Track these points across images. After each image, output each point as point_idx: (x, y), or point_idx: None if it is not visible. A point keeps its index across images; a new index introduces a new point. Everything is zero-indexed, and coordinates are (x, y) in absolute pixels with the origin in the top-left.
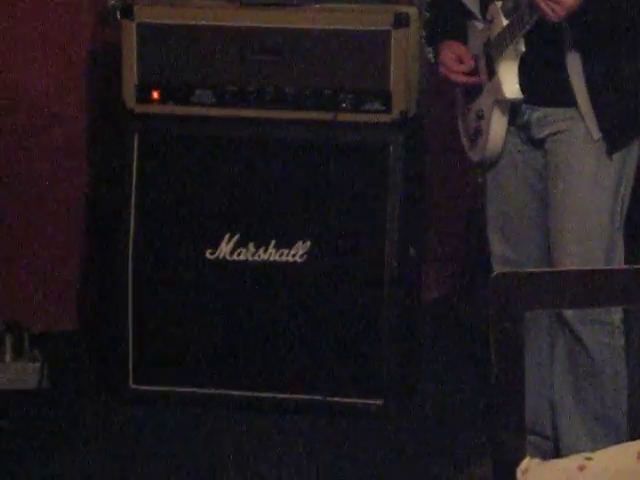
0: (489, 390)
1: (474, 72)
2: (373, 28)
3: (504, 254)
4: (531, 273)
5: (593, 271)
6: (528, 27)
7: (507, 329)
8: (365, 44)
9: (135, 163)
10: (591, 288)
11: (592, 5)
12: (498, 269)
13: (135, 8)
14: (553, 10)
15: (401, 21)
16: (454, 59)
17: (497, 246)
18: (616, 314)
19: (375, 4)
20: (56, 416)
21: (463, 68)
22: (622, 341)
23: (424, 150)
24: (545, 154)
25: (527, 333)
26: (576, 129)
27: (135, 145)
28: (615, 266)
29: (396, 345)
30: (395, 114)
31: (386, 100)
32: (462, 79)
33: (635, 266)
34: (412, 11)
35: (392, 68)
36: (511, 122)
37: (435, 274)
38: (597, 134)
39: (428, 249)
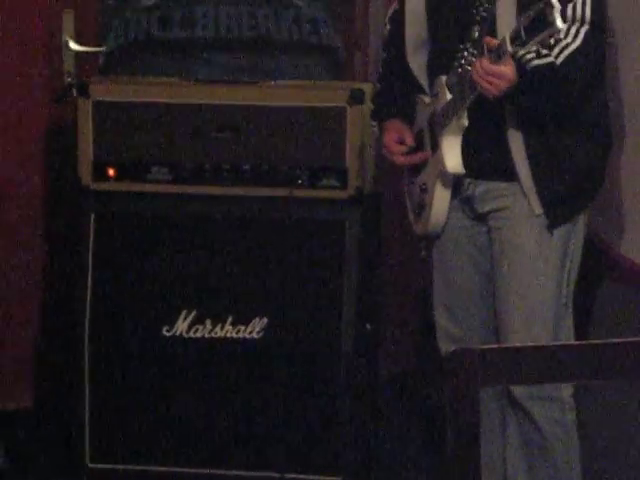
0: (446, 467)
1: (416, 150)
2: (329, 105)
3: (449, 330)
4: (487, 349)
5: (550, 347)
6: (469, 102)
7: (463, 405)
8: (321, 121)
9: (91, 240)
10: (547, 364)
11: (532, 82)
12: (442, 344)
13: (91, 86)
14: (494, 84)
15: (356, 98)
16: (395, 140)
17: (442, 321)
18: (566, 390)
19: (330, 81)
20: None
21: (403, 149)
22: (573, 416)
23: (380, 226)
24: (489, 231)
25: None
26: (519, 205)
27: (91, 222)
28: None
29: (354, 421)
30: (351, 190)
31: (342, 176)
32: (401, 160)
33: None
34: (367, 87)
35: (348, 144)
36: (455, 196)
37: (392, 349)
38: (539, 209)
39: (384, 325)
